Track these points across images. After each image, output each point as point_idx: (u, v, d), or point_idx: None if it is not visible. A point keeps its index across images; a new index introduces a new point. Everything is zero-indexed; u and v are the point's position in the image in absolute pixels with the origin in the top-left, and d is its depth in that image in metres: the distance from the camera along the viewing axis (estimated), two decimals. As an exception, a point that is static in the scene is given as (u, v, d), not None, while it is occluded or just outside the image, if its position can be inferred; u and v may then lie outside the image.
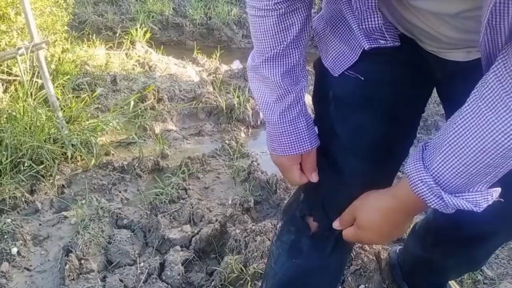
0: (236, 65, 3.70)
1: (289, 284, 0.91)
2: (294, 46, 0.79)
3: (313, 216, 0.86)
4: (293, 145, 0.81)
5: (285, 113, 0.80)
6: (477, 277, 1.40)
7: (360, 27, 0.74)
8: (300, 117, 0.81)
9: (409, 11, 0.68)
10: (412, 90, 0.82)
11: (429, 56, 0.78)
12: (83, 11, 4.19)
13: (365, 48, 0.77)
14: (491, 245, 0.91)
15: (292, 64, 0.80)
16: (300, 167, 0.85)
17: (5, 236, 1.47)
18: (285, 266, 0.91)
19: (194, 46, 3.76)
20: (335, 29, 0.82)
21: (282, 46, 0.77)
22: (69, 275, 1.34)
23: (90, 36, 3.37)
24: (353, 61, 0.80)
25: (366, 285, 1.34)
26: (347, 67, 0.81)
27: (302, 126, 0.81)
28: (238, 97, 2.60)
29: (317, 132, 0.85)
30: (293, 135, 0.81)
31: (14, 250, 1.42)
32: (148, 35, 3.63)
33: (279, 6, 0.74)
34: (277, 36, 0.77)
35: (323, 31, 0.86)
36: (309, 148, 0.82)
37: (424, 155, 0.62)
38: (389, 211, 0.69)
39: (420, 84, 0.83)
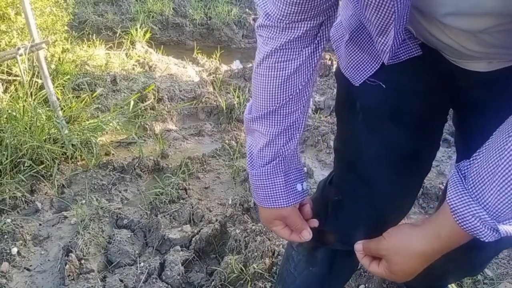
0: (236, 65, 3.70)
1: None
2: (295, 105, 0.76)
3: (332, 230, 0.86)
4: (268, 199, 0.79)
5: (265, 167, 0.78)
6: (477, 277, 1.40)
7: (385, 47, 0.69)
8: (279, 173, 0.78)
9: (436, 26, 0.66)
10: (436, 99, 0.80)
11: (450, 64, 0.76)
12: (83, 11, 4.19)
13: (385, 63, 0.74)
14: (492, 250, 0.90)
15: (289, 124, 0.77)
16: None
17: (5, 236, 1.47)
18: (303, 274, 0.94)
19: (194, 46, 3.77)
20: (354, 37, 0.79)
21: (280, 104, 0.75)
22: (69, 275, 1.34)
23: (90, 36, 3.37)
24: (375, 70, 0.77)
25: (366, 285, 1.34)
26: (368, 76, 0.78)
27: (279, 182, 0.78)
28: (238, 97, 2.60)
29: (300, 191, 0.81)
30: (269, 189, 0.78)
31: (14, 250, 1.42)
32: (148, 35, 3.64)
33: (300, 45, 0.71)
34: (277, 93, 0.75)
35: (340, 39, 0.83)
36: (285, 205, 0.78)
37: (467, 186, 0.56)
38: (429, 256, 0.64)
39: (443, 92, 0.81)
